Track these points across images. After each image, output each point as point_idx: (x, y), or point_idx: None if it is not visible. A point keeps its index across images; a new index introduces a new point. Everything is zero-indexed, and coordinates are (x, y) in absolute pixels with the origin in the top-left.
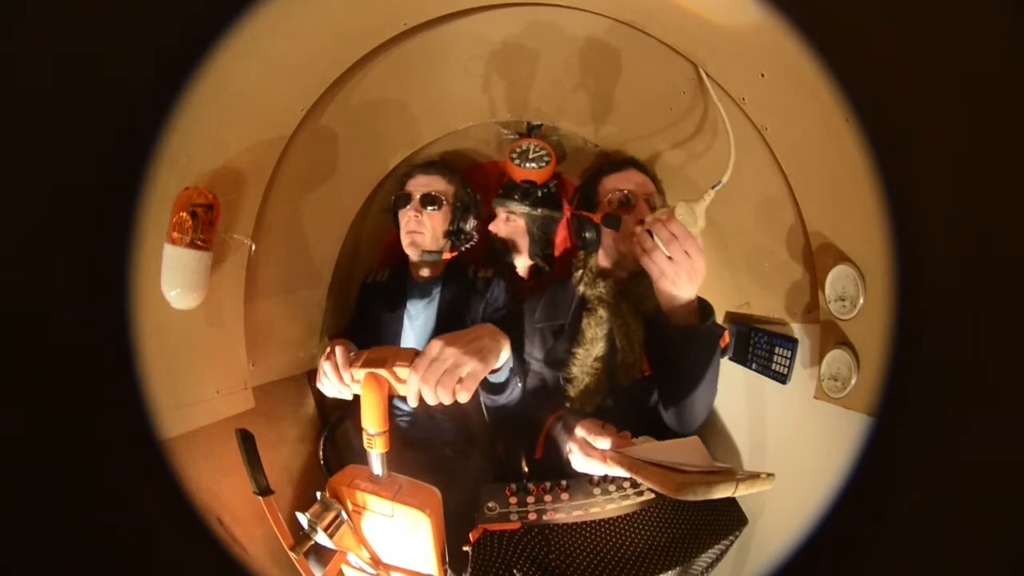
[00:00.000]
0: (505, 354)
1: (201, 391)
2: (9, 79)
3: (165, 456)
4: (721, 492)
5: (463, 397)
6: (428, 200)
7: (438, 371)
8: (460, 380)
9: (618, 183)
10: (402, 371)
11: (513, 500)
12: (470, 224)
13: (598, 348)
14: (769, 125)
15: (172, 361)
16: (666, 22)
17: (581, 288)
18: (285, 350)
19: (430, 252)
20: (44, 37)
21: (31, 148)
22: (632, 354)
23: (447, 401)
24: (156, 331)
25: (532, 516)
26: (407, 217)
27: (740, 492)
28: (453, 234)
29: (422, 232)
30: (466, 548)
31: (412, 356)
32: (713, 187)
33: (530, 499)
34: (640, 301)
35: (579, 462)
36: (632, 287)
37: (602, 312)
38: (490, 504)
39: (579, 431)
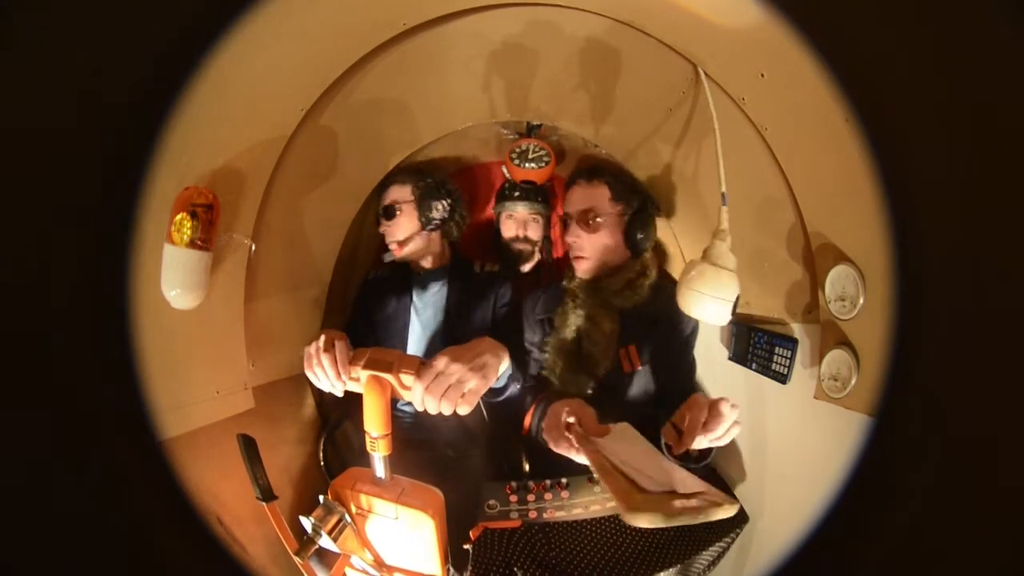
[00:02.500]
0: (504, 365)
1: (201, 391)
2: (6, 79)
3: (165, 456)
4: (679, 521)
5: (464, 410)
6: (386, 213)
7: (443, 385)
8: (463, 395)
9: (568, 204)
10: (407, 379)
11: (514, 498)
12: (438, 210)
13: (568, 336)
14: (769, 125)
15: (172, 361)
16: (666, 22)
17: (564, 283)
18: (285, 350)
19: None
20: (43, 36)
21: (30, 148)
22: (595, 345)
23: (448, 412)
24: (156, 331)
25: (533, 514)
26: (382, 229)
27: (700, 520)
28: (426, 224)
29: (394, 238)
30: (467, 546)
31: (417, 364)
32: (723, 204)
33: (531, 497)
34: (611, 297)
35: (552, 443)
36: (604, 284)
37: (571, 303)
38: (491, 502)
39: (555, 407)
